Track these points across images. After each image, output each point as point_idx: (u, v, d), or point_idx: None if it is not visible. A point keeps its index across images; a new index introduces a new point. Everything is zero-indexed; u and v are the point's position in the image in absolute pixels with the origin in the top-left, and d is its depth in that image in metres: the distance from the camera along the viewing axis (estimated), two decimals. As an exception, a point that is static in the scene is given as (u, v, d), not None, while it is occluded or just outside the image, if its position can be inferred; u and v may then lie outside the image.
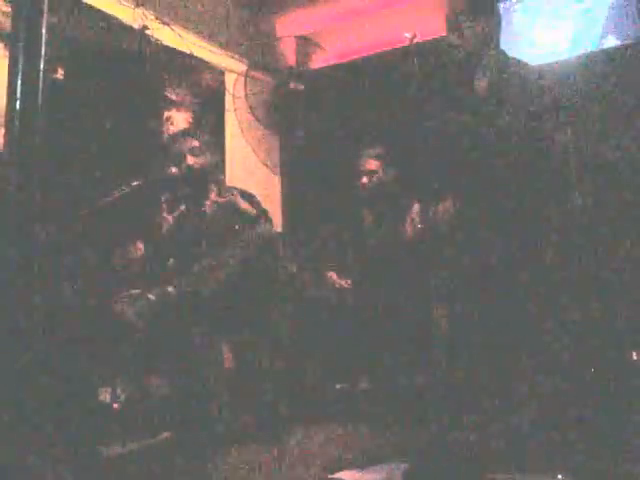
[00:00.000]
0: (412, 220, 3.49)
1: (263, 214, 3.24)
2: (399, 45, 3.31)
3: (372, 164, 3.94)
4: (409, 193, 3.70)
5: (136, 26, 4.00)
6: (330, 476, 2.82)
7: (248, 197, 3.31)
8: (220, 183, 3.33)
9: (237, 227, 3.02)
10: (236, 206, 3.16)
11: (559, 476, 2.54)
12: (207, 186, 3.23)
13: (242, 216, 3.13)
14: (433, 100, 3.19)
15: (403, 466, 2.84)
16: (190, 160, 3.16)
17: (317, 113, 4.80)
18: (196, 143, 3.20)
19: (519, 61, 3.04)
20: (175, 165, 3.08)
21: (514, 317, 2.94)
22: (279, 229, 4.86)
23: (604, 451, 2.68)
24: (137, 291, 2.85)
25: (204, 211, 3.17)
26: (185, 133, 3.31)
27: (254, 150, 4.91)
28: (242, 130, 4.85)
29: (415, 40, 2.90)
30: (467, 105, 3.00)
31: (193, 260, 2.95)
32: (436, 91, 3.24)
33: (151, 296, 2.78)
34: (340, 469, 2.87)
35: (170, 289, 2.82)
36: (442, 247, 3.04)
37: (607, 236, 3.44)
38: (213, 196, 3.23)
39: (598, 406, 2.93)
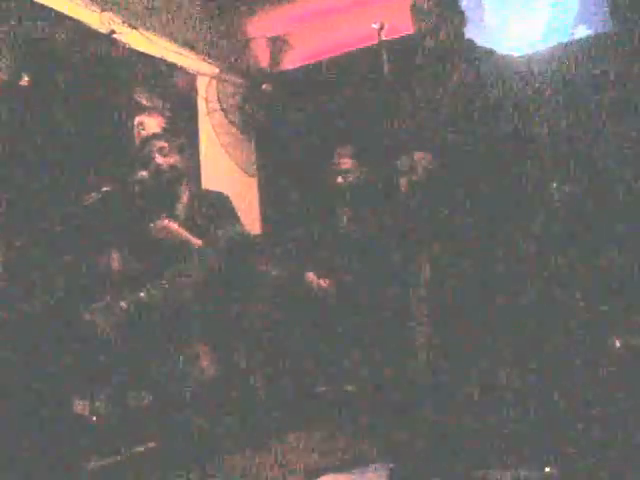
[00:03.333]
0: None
1: (233, 216, 3.18)
2: (372, 43, 3.26)
3: (347, 163, 3.91)
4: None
5: (103, 30, 3.93)
6: (313, 480, 2.78)
7: (219, 198, 3.25)
8: (191, 184, 3.27)
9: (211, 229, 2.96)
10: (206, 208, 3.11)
11: (546, 469, 2.51)
12: (178, 187, 3.17)
13: (212, 218, 3.07)
14: (406, 95, 3.16)
15: (388, 467, 2.80)
16: (159, 160, 3.10)
17: (291, 113, 4.76)
18: (164, 144, 3.14)
19: (489, 50, 3.01)
20: (143, 167, 3.02)
21: (496, 302, 2.91)
22: (257, 232, 4.82)
23: (590, 442, 2.66)
24: (105, 301, 2.78)
25: (176, 214, 3.11)
26: (154, 136, 3.22)
27: (229, 153, 4.86)
28: (216, 133, 4.80)
29: (384, 30, 2.85)
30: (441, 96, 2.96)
31: (164, 264, 2.89)
32: (408, 86, 3.22)
33: (123, 304, 2.72)
34: (323, 473, 2.82)
35: (142, 295, 2.76)
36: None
37: (589, 221, 3.43)
38: (185, 199, 3.18)
39: (584, 396, 2.90)
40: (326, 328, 3.71)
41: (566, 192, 3.26)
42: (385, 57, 3.02)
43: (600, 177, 3.75)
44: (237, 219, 3.27)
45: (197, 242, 3.02)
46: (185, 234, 3.05)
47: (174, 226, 3.06)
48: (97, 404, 3.14)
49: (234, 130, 4.85)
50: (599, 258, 3.48)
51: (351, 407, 3.61)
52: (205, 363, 3.12)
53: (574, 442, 2.66)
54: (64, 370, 2.96)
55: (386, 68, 3.00)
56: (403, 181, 3.00)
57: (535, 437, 2.77)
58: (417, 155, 2.94)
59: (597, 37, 4.21)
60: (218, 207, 3.20)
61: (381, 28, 2.85)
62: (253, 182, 5.08)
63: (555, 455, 2.55)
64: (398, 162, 3.01)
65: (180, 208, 3.19)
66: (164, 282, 2.79)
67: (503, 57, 3.01)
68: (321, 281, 3.78)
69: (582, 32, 4.29)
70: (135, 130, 3.72)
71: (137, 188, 3.06)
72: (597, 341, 3.17)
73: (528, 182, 3.02)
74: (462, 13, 3.03)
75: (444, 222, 3.03)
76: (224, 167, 4.83)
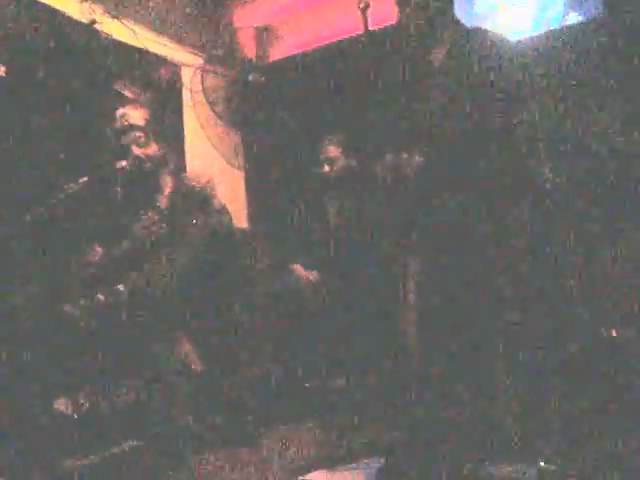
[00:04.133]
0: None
1: (219, 207, 3.11)
2: (359, 32, 3.19)
3: (333, 151, 3.85)
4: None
5: (84, 20, 3.84)
6: (301, 478, 2.71)
7: (204, 189, 3.18)
8: (174, 173, 3.18)
9: (194, 221, 2.88)
10: (192, 197, 3.03)
11: (541, 463, 2.45)
12: (158, 177, 3.09)
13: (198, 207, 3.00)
14: (391, 81, 3.09)
15: (377, 464, 2.74)
16: (136, 151, 3.02)
17: (278, 105, 4.68)
18: (141, 134, 3.05)
19: (477, 31, 2.93)
20: (120, 158, 2.94)
21: (486, 295, 2.84)
22: (244, 225, 4.74)
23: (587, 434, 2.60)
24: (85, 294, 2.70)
25: (157, 205, 3.03)
26: (131, 127, 3.14)
27: (215, 146, 4.77)
28: (202, 126, 4.71)
29: (369, 9, 2.79)
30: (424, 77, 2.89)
31: (146, 256, 2.81)
32: (394, 72, 3.14)
33: (100, 296, 2.64)
34: (313, 468, 2.76)
35: (121, 287, 2.68)
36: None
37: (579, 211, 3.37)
38: (167, 191, 3.10)
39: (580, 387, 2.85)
40: (314, 321, 3.65)
41: (558, 181, 3.19)
42: (369, 43, 2.97)
43: (593, 165, 3.69)
44: (223, 210, 3.19)
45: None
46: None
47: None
48: (79, 401, 3.08)
49: (220, 122, 4.76)
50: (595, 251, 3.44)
51: (340, 402, 3.55)
52: (190, 357, 3.05)
53: (569, 438, 2.61)
54: (45, 366, 2.89)
55: (370, 54, 2.95)
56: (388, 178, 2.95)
57: (529, 432, 2.72)
58: (403, 155, 2.89)
59: (588, 23, 4.15)
60: (203, 197, 3.13)
61: (366, 7, 2.78)
62: (239, 175, 5.00)
63: (550, 450, 2.50)
64: (383, 161, 2.95)
65: (162, 199, 3.11)
66: (144, 274, 2.71)
67: (494, 36, 2.93)
68: (308, 273, 3.71)
69: (573, 19, 4.23)
70: (118, 122, 3.63)
71: (117, 178, 2.98)
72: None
73: (519, 172, 2.96)
74: None
75: (432, 218, 2.97)
76: (210, 160, 4.74)
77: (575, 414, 2.72)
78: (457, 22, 2.93)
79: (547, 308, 2.96)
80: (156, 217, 2.95)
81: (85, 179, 2.84)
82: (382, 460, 2.75)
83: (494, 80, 2.74)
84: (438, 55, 2.84)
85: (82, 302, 2.67)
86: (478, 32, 2.92)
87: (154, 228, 2.92)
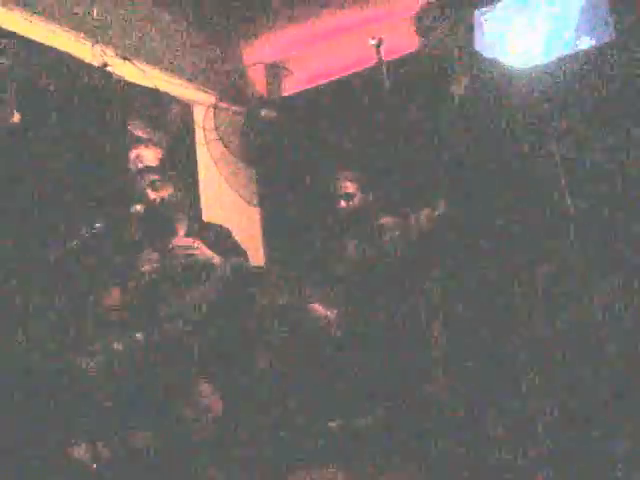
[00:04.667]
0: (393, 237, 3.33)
1: (234, 247, 3.08)
2: (371, 65, 3.19)
3: (349, 187, 3.81)
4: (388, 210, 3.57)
5: (96, 63, 3.86)
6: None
7: (219, 231, 3.15)
8: (187, 218, 3.15)
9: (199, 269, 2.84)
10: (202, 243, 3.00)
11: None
12: (172, 221, 3.06)
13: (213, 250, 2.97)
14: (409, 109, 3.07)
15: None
16: (152, 195, 3.00)
17: (291, 139, 4.66)
18: (156, 176, 3.04)
19: (496, 62, 2.90)
20: (137, 201, 2.92)
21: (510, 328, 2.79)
22: (261, 262, 4.70)
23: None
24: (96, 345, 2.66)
25: (171, 250, 3.00)
26: (147, 169, 3.13)
27: (229, 183, 4.75)
28: (216, 163, 4.69)
29: (382, 46, 2.77)
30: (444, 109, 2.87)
31: (162, 303, 2.77)
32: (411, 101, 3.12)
33: (117, 345, 2.60)
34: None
35: (138, 336, 2.64)
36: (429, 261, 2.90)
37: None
38: (182, 233, 3.07)
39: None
40: (334, 361, 3.58)
41: (582, 208, 3.13)
42: (385, 76, 2.95)
43: (615, 188, 3.63)
44: (240, 251, 3.17)
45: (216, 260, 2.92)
46: (209, 252, 2.95)
47: (198, 244, 2.97)
48: (98, 449, 3.03)
49: (234, 159, 4.75)
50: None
51: (364, 442, 3.47)
52: (209, 401, 2.99)
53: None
54: (64, 414, 2.85)
55: (387, 87, 2.93)
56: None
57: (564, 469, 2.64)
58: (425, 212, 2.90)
59: (600, 48, 4.12)
60: (219, 240, 3.10)
61: (379, 44, 2.76)
62: (255, 211, 4.98)
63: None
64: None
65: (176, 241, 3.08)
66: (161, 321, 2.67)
67: (508, 69, 2.90)
68: (327, 311, 3.65)
69: (585, 43, 4.20)
70: (132, 163, 3.63)
71: (132, 223, 2.96)
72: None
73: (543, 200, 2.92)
74: (471, 27, 2.93)
75: (456, 255, 2.93)
76: (225, 197, 4.72)
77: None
78: (477, 54, 2.91)
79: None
80: (171, 260, 2.92)
81: (100, 224, 2.82)
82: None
83: (515, 110, 2.72)
84: (460, 86, 2.81)
85: (98, 352, 2.62)
86: (495, 61, 2.90)
87: (168, 271, 2.89)
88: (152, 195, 3.01)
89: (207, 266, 2.87)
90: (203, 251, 2.93)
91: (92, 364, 2.61)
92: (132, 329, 2.70)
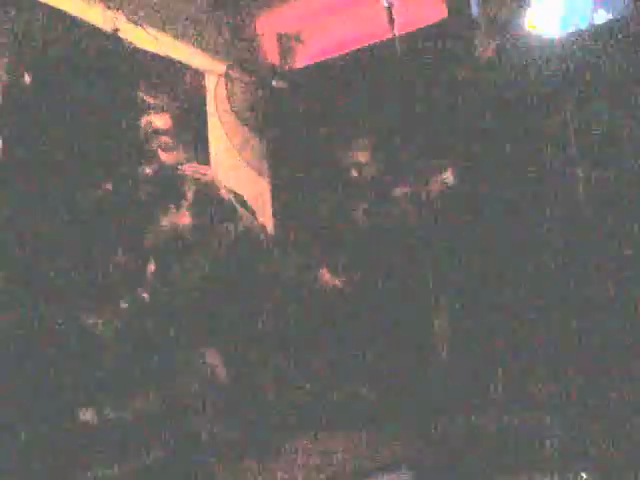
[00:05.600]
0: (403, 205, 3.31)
1: (244, 207, 3.06)
2: (385, 37, 3.16)
3: (360, 156, 3.80)
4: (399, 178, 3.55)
5: (107, 28, 3.84)
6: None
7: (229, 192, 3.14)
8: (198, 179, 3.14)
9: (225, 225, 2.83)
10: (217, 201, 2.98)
11: (583, 475, 2.36)
12: (184, 184, 3.05)
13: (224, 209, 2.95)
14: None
15: (409, 473, 2.68)
16: (163, 156, 2.98)
17: (302, 110, 4.63)
18: (166, 139, 3.02)
19: (522, 29, 2.87)
20: (146, 163, 2.90)
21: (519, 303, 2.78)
22: (271, 231, 4.69)
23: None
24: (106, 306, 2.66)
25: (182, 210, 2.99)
26: (158, 131, 3.11)
27: (240, 153, 4.74)
28: (226, 132, 4.68)
29: (394, 8, 2.73)
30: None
31: (170, 262, 2.77)
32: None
33: (123, 304, 2.60)
34: (342, 478, 2.70)
35: (144, 295, 2.64)
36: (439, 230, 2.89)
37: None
38: (191, 195, 3.05)
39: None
40: (341, 329, 3.58)
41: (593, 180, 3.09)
42: (398, 43, 2.93)
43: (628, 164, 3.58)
44: (251, 213, 3.15)
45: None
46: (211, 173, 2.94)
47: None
48: (105, 412, 3.05)
49: (245, 129, 4.73)
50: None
51: (369, 411, 3.47)
52: (215, 365, 3.00)
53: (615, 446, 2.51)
54: (71, 377, 2.86)
55: (400, 55, 2.90)
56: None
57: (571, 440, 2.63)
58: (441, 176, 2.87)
59: (617, 22, 4.05)
60: (229, 202, 3.08)
61: (391, 6, 2.73)
62: (265, 182, 4.96)
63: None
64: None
65: (186, 205, 3.07)
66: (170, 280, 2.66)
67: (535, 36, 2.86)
68: (335, 278, 3.65)
69: (602, 17, 4.13)
70: (143, 129, 3.61)
71: (141, 185, 2.95)
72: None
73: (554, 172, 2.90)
74: None
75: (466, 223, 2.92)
76: (235, 168, 4.71)
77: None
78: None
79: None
80: (180, 222, 2.91)
81: (109, 186, 2.82)
82: (411, 471, 2.69)
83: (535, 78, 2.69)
84: (486, 52, 2.78)
85: (105, 311, 2.63)
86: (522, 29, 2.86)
87: (177, 233, 2.88)
88: (163, 156, 2.99)
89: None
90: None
91: (100, 324, 2.61)
92: (139, 290, 2.69)
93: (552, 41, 3.81)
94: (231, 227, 2.86)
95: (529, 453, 2.54)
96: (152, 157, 2.96)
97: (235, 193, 3.20)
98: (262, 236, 3.19)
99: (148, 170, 2.93)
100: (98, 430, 2.98)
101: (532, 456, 2.52)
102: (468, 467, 2.54)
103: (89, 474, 2.85)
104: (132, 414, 3.05)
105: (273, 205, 4.94)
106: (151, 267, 2.80)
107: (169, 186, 3.02)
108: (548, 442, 2.54)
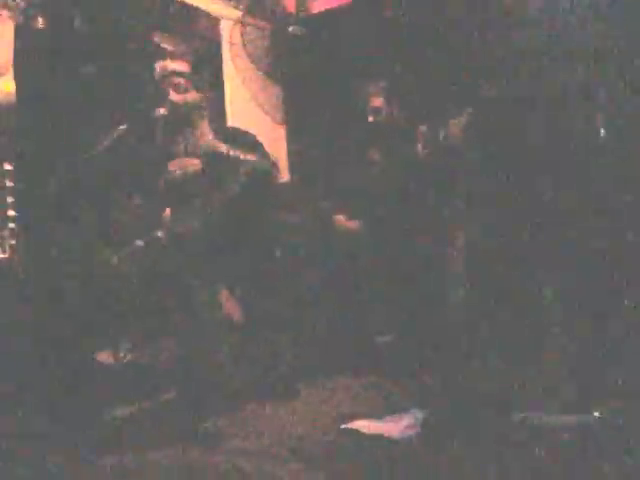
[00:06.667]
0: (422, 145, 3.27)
1: (258, 147, 3.04)
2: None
3: (377, 101, 3.75)
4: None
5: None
6: (344, 426, 2.68)
7: (245, 135, 3.11)
8: (212, 121, 3.11)
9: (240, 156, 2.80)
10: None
11: (596, 414, 2.39)
12: (197, 124, 3.02)
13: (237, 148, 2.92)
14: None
15: (422, 414, 2.70)
16: (174, 97, 2.95)
17: (318, 56, 4.57)
18: (180, 80, 2.99)
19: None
20: (161, 104, 2.88)
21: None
22: (286, 177, 4.67)
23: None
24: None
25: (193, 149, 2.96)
26: (171, 73, 3.07)
27: (256, 100, 4.69)
28: (242, 80, 4.62)
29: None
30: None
31: (184, 201, 2.76)
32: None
33: (139, 242, 2.61)
34: (355, 419, 2.73)
35: (159, 234, 2.64)
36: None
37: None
38: (206, 136, 3.02)
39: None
40: (355, 274, 3.58)
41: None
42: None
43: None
44: (265, 153, 3.12)
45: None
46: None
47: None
48: (121, 353, 3.09)
49: (261, 76, 4.68)
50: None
51: (383, 356, 3.50)
52: (231, 309, 3.01)
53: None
54: (87, 318, 2.89)
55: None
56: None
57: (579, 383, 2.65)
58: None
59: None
60: (243, 141, 3.06)
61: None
62: (281, 129, 4.92)
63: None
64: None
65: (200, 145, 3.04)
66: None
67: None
68: (350, 223, 3.64)
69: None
70: (157, 74, 3.58)
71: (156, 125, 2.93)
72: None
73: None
74: None
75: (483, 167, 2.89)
76: (251, 115, 4.67)
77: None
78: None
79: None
80: (195, 161, 2.89)
81: (123, 127, 2.80)
82: (425, 412, 2.72)
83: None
84: None
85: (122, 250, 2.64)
86: None
87: (192, 172, 2.86)
88: (176, 97, 2.96)
89: (233, 163, 2.83)
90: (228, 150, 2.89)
91: (115, 260, 2.62)
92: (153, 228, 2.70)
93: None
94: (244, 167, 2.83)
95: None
96: (165, 98, 2.92)
97: (248, 133, 3.16)
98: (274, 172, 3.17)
99: (162, 110, 2.89)
100: (114, 371, 3.03)
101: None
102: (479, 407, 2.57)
103: (107, 413, 2.91)
104: (148, 355, 3.09)
105: (288, 151, 4.91)
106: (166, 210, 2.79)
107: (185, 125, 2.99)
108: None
